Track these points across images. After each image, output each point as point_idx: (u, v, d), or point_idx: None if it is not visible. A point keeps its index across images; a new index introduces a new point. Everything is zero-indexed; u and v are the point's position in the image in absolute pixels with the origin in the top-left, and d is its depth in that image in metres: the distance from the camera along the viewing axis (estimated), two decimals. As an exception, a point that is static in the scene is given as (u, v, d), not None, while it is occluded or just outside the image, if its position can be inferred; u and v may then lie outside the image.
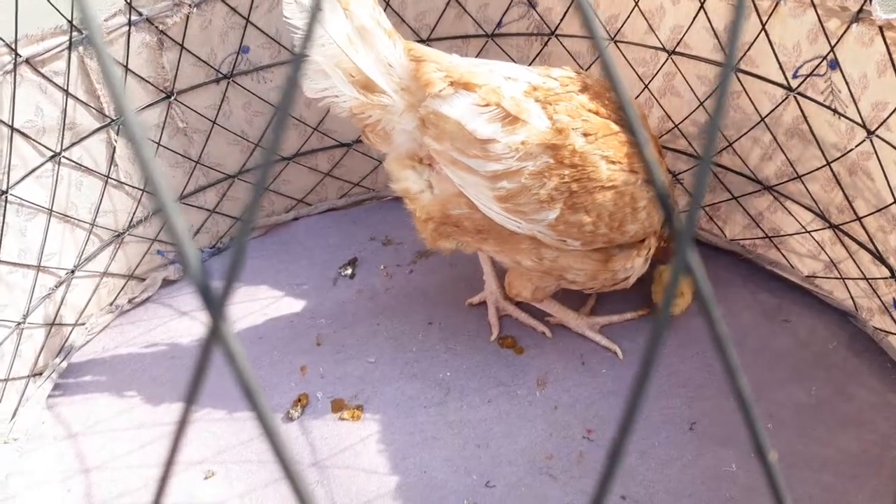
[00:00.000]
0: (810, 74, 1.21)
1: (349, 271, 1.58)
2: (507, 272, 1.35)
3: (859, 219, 1.24)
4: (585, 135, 1.13)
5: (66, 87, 1.26)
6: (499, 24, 1.54)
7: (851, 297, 1.36)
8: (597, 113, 1.16)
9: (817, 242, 1.37)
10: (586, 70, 1.47)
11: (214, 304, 0.19)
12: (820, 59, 1.18)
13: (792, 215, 1.38)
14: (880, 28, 1.06)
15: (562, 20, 1.49)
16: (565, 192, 1.13)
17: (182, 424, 0.20)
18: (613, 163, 1.14)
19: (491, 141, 1.11)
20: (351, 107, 1.16)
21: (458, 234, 1.25)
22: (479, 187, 1.15)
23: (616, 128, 1.17)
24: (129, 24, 1.30)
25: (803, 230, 1.37)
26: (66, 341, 1.40)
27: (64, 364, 1.39)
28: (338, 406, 1.32)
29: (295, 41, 1.13)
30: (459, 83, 1.13)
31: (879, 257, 1.24)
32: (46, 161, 1.28)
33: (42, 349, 1.34)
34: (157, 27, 1.34)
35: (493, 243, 1.24)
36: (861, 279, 1.31)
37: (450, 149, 1.14)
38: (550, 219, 1.15)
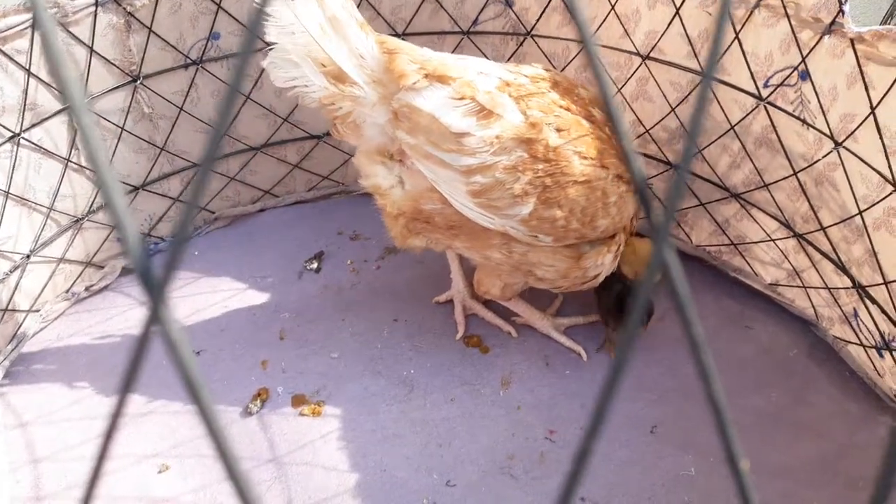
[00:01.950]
0: (781, 84, 1.22)
1: (315, 265, 1.56)
2: (476, 270, 1.34)
3: (823, 229, 1.26)
4: (558, 130, 1.13)
5: (27, 67, 1.22)
6: (475, 22, 1.53)
7: (813, 306, 1.37)
8: (568, 109, 1.16)
9: (781, 251, 1.38)
10: (561, 71, 1.47)
11: (154, 288, 0.18)
12: (791, 70, 1.19)
13: (757, 223, 1.39)
14: (851, 41, 1.07)
15: (538, 20, 1.48)
16: (539, 186, 1.13)
17: (116, 415, 0.18)
18: (585, 158, 1.14)
19: (465, 135, 1.10)
20: (321, 97, 1.14)
21: (429, 231, 1.24)
22: (453, 182, 1.13)
23: (587, 124, 1.17)
24: (96, 4, 1.27)
25: (768, 238, 1.39)
26: (19, 328, 1.36)
27: (16, 352, 1.34)
28: (299, 401, 1.30)
29: (266, 29, 1.10)
30: (433, 76, 1.12)
31: (842, 267, 1.26)
32: (5, 142, 1.23)
33: (-7, 335, 1.30)
34: (124, 8, 1.31)
35: (463, 239, 1.23)
36: (823, 288, 1.32)
37: (423, 143, 1.12)
38: (524, 214, 1.14)
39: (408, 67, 1.12)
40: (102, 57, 1.32)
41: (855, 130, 1.11)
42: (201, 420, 0.18)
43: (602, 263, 1.25)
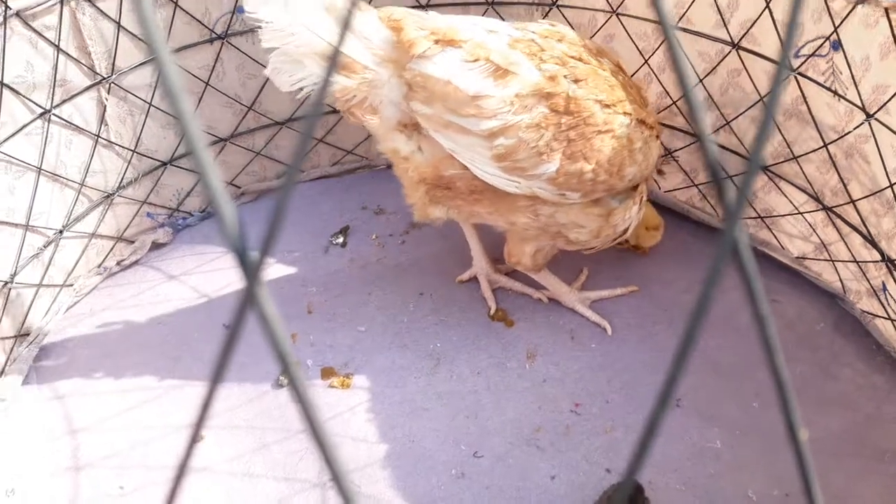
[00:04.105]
0: (812, 55, 1.20)
1: (341, 240, 1.57)
2: (507, 240, 1.34)
3: (853, 202, 1.25)
4: (576, 81, 1.12)
5: (57, 43, 1.23)
6: (499, -7, 1.51)
7: (840, 280, 1.37)
8: (580, 60, 1.15)
9: (809, 224, 1.37)
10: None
11: (250, 268, 0.18)
12: (823, 40, 1.17)
13: (785, 196, 1.39)
14: (886, 10, 1.05)
15: (563, -9, 1.47)
16: (563, 140, 1.11)
17: (206, 405, 0.19)
18: (607, 106, 1.13)
19: (484, 97, 1.09)
20: (334, 92, 1.13)
21: (450, 198, 1.23)
22: (475, 148, 1.12)
23: (604, 73, 1.16)
24: (123, -21, 1.27)
25: (796, 211, 1.38)
26: (53, 302, 1.39)
27: (51, 325, 1.37)
28: (328, 374, 1.32)
29: (262, 35, 1.09)
30: (444, 41, 1.10)
31: (871, 241, 1.25)
32: (36, 118, 1.25)
33: (29, 310, 1.33)
34: (150, -16, 1.31)
35: (486, 204, 1.22)
36: (851, 262, 1.31)
37: (441, 111, 1.10)
38: (551, 171, 1.13)
39: (416, 34, 1.09)
40: (130, 32, 1.33)
41: (887, 102, 1.10)
42: (292, 393, 0.19)
43: (629, 217, 1.25)
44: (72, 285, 1.43)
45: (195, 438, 0.20)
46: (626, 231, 1.27)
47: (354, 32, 1.11)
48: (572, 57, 1.14)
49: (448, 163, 1.18)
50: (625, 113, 1.14)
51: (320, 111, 0.19)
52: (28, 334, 1.34)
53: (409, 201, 1.27)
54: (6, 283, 1.26)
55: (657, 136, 1.22)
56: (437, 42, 1.09)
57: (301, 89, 1.14)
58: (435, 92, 1.09)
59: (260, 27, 1.09)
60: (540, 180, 1.14)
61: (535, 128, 1.10)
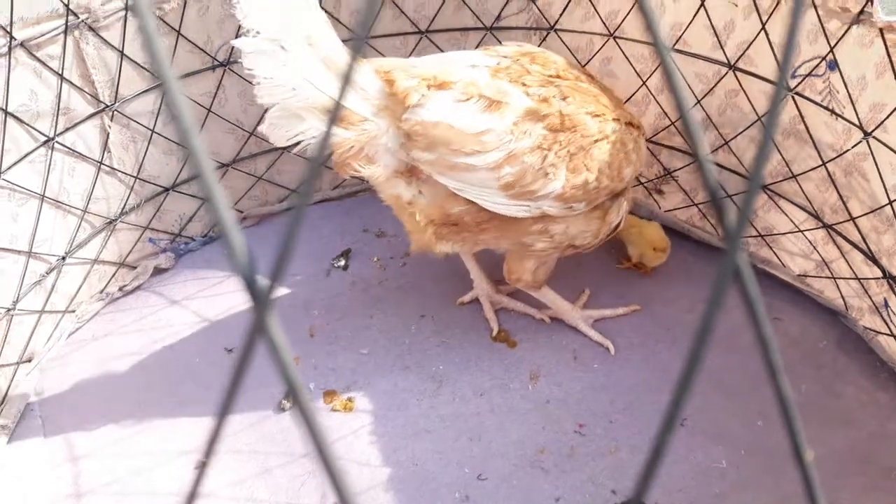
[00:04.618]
0: (809, 74, 1.21)
1: (342, 263, 1.57)
2: (506, 260, 1.35)
3: (853, 219, 1.25)
4: (563, 98, 1.16)
5: (60, 72, 1.25)
6: (498, 18, 1.53)
7: (842, 297, 1.37)
8: (558, 76, 1.19)
9: (810, 242, 1.38)
10: (584, 65, 1.47)
11: (260, 296, 0.19)
12: (819, 60, 1.18)
13: (785, 214, 1.39)
14: (881, 30, 1.06)
15: (561, 14, 1.48)
16: (565, 156, 1.15)
17: (221, 417, 0.19)
18: (597, 116, 1.17)
19: (485, 132, 1.11)
20: (332, 145, 1.12)
21: (457, 232, 1.24)
22: (484, 182, 1.14)
23: (584, 85, 1.20)
24: (126, 8, 1.29)
25: (796, 229, 1.38)
26: (55, 328, 1.39)
27: (53, 351, 1.37)
28: (330, 397, 1.31)
29: (258, 92, 1.08)
30: (434, 85, 1.12)
31: (872, 258, 1.25)
32: (40, 146, 1.26)
33: (31, 336, 1.33)
34: (153, 13, 1.33)
35: (493, 231, 1.23)
36: (853, 279, 1.32)
37: (445, 154, 1.12)
38: (557, 189, 1.16)
39: (408, 84, 1.11)
40: (132, 61, 1.34)
41: (885, 120, 1.11)
42: (300, 419, 0.19)
43: (621, 212, 1.29)
44: (74, 311, 1.43)
45: (203, 471, 0.21)
46: (618, 226, 1.31)
47: (353, 85, 1.12)
48: (551, 76, 1.18)
49: (452, 201, 1.19)
50: (614, 119, 1.19)
51: (321, 160, 0.19)
52: (30, 360, 1.34)
53: (416, 245, 1.28)
54: (9, 309, 1.26)
55: (642, 134, 1.27)
56: (429, 88, 1.12)
57: (298, 143, 1.14)
58: (436, 137, 1.11)
59: (257, 83, 1.08)
60: (548, 199, 1.17)
61: (538, 150, 1.13)
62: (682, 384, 0.19)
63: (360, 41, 0.21)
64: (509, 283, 1.38)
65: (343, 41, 1.13)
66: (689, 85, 1.38)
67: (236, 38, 1.43)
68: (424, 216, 1.22)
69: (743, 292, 0.19)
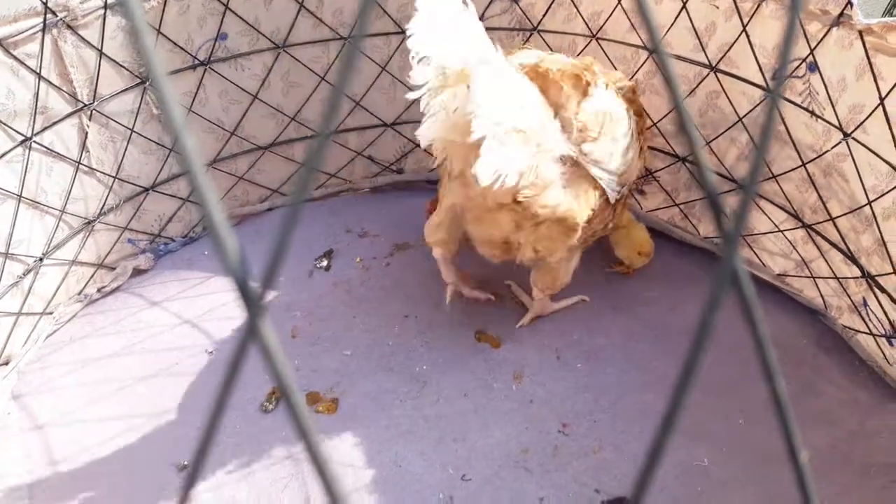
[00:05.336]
0: (789, 76, 1.22)
1: (325, 263, 1.56)
2: (545, 274, 1.33)
3: (832, 219, 1.27)
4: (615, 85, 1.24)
5: (38, 71, 1.23)
6: (481, 18, 1.53)
7: (821, 296, 1.38)
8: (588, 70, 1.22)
9: (789, 241, 1.39)
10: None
11: (253, 300, 0.18)
12: (799, 62, 1.20)
13: (765, 214, 1.40)
14: (860, 32, 1.07)
15: (544, 15, 1.49)
16: (638, 140, 1.25)
17: (214, 419, 0.19)
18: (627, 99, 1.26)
19: (623, 115, 1.19)
20: (520, 171, 1.05)
21: (587, 237, 1.29)
22: (618, 166, 1.20)
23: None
24: (105, 6, 1.27)
25: (776, 229, 1.40)
26: (33, 330, 1.37)
27: (31, 354, 1.35)
28: (313, 399, 1.31)
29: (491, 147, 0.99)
30: (593, 81, 1.17)
31: (851, 257, 1.26)
32: (17, 146, 1.24)
33: (8, 338, 1.31)
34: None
35: (593, 227, 1.27)
36: (832, 278, 1.33)
37: (609, 139, 1.16)
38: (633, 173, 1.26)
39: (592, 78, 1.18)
40: (112, 59, 1.33)
41: (864, 121, 1.12)
42: (294, 423, 0.19)
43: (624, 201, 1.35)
44: (52, 313, 1.41)
45: (192, 480, 0.20)
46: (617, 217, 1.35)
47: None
48: (587, 69, 1.21)
49: (592, 195, 1.19)
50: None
51: (303, 197, 0.19)
52: (7, 363, 1.31)
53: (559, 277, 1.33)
54: (-15, 311, 1.24)
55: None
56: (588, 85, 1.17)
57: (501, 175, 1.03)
58: (603, 124, 1.15)
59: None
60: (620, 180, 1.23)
61: (636, 135, 1.24)
62: (678, 394, 0.19)
63: (354, 44, 0.20)
64: (547, 292, 1.37)
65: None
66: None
67: (217, 36, 1.42)
68: (586, 221, 1.22)
69: (740, 296, 0.19)
